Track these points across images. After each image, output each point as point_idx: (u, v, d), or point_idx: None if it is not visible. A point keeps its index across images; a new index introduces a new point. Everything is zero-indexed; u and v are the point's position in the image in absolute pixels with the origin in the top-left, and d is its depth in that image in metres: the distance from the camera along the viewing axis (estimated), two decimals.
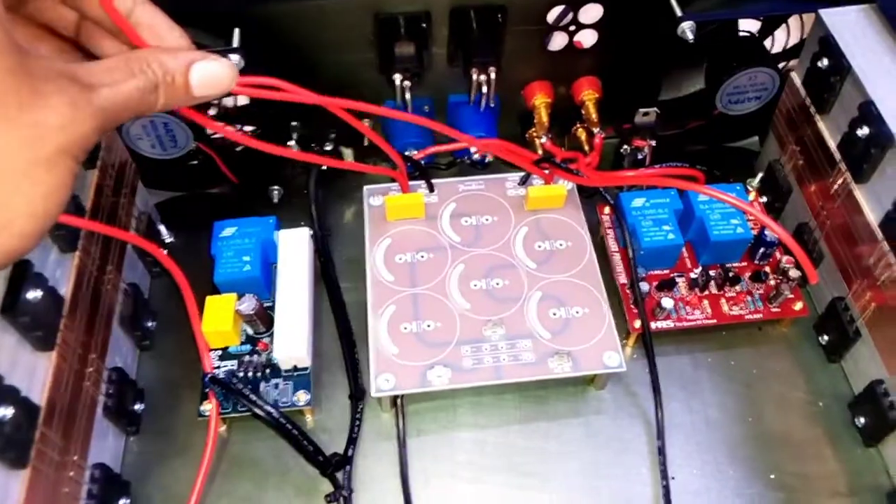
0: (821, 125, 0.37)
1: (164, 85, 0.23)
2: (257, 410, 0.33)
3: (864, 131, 0.33)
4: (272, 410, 0.33)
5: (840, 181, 0.36)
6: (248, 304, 0.36)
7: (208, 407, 0.35)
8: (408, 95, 0.39)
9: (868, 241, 0.34)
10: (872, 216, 0.34)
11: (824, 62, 0.36)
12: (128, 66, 0.23)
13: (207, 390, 0.35)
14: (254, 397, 0.33)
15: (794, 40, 0.44)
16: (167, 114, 0.38)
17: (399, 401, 0.36)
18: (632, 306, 0.38)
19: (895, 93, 0.33)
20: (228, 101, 0.42)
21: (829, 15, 0.36)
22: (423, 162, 0.41)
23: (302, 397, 0.36)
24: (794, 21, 0.43)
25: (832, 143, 0.37)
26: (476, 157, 0.43)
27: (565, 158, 0.42)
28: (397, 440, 0.36)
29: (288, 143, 0.42)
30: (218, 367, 0.37)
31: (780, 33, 0.44)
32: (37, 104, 0.19)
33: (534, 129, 0.44)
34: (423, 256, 0.40)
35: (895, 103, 0.32)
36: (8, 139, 0.19)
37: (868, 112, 0.33)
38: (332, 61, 0.40)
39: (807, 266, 0.34)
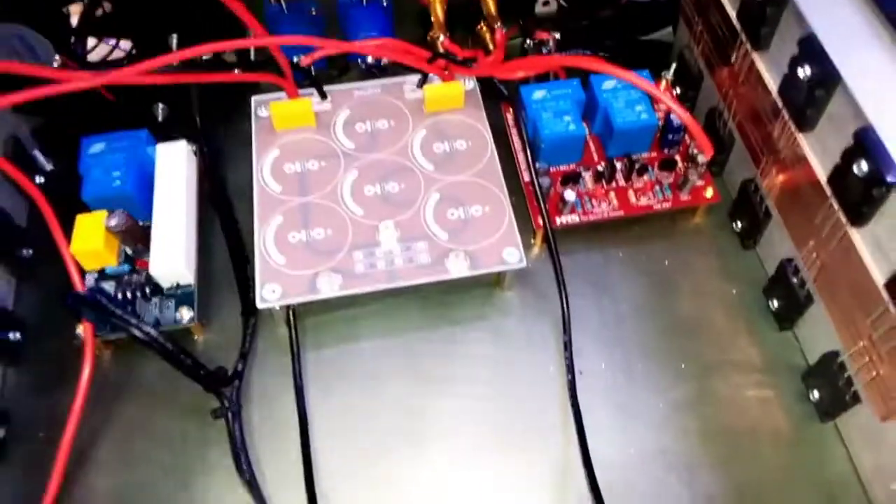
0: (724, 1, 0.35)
1: None
2: (129, 328, 0.31)
3: None
4: (142, 325, 0.31)
5: (742, 53, 0.34)
6: (118, 220, 0.34)
7: (81, 329, 0.33)
8: None
9: (771, 114, 0.33)
10: (773, 84, 0.32)
11: None
12: None
13: (79, 312, 0.32)
14: (120, 312, 0.31)
15: None
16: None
17: (290, 311, 0.34)
18: (535, 203, 0.37)
19: None
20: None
21: None
22: (312, 67, 0.39)
23: (185, 314, 0.34)
24: None
25: (732, 13, 0.34)
26: (370, 60, 0.41)
27: (466, 58, 0.40)
28: (291, 352, 0.34)
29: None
30: (96, 287, 0.35)
31: None
32: None
33: (432, 31, 0.42)
34: (313, 165, 0.37)
35: None
36: None
37: None
38: None
39: (700, 138, 0.32)
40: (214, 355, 0.34)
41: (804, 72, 0.29)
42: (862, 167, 0.26)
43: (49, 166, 0.40)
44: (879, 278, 0.27)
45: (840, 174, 0.28)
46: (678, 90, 0.41)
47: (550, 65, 0.37)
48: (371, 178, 0.37)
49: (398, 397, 0.34)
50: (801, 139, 0.31)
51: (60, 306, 0.34)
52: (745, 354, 0.34)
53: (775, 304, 0.35)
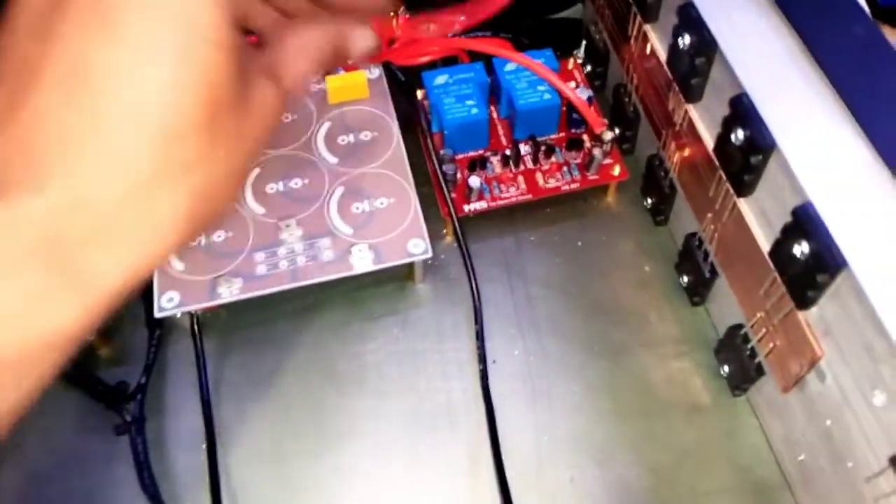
0: None
1: (331, 59, 0.24)
2: None
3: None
4: None
5: (637, 26, 0.34)
6: None
7: None
8: None
9: (665, 87, 0.32)
10: (663, 55, 0.32)
11: None
12: (301, 41, 0.23)
13: None
14: None
15: None
16: None
17: (194, 319, 0.33)
18: (441, 191, 0.36)
19: None
20: None
21: None
22: None
23: None
24: None
25: None
26: None
27: None
28: (196, 362, 0.33)
29: None
30: None
31: None
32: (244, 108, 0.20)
33: None
34: None
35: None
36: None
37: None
38: None
39: (587, 114, 0.31)
40: (117, 371, 0.33)
41: (684, 41, 0.28)
42: (738, 135, 0.26)
43: None
44: (765, 247, 0.26)
45: (722, 144, 0.27)
46: (589, 68, 0.41)
47: (450, 49, 0.37)
48: (273, 174, 0.36)
49: (310, 399, 0.33)
50: (691, 110, 0.30)
51: None
52: (659, 331, 0.34)
53: (685, 279, 0.34)
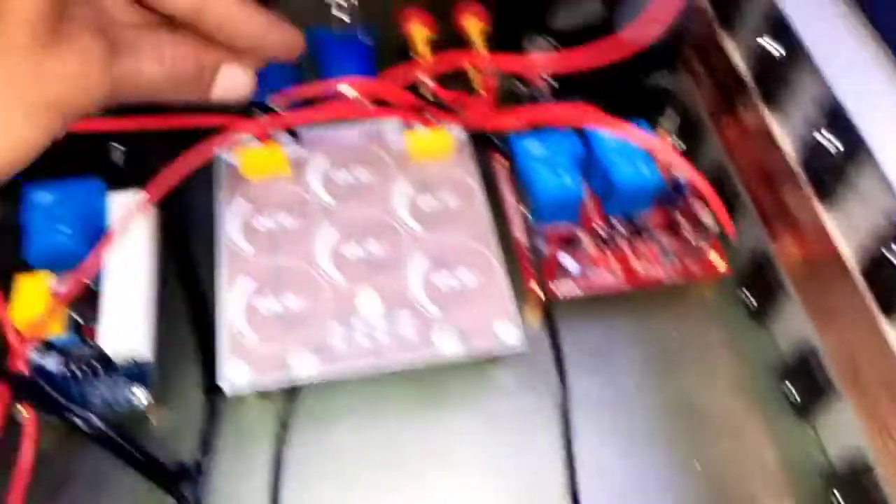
0: (728, 45, 0.33)
1: (190, 81, 0.22)
2: (73, 419, 0.27)
3: (771, 45, 0.28)
4: (89, 417, 0.27)
5: (752, 109, 0.31)
6: (65, 285, 0.30)
7: (24, 412, 0.29)
8: None
9: (788, 181, 0.30)
10: (789, 147, 0.30)
11: None
12: (162, 48, 0.21)
13: (19, 394, 0.28)
14: (64, 402, 0.27)
15: None
16: None
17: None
18: (530, 269, 0.33)
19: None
20: None
21: None
22: (285, 109, 0.35)
23: (140, 395, 0.30)
24: None
25: (741, 66, 0.32)
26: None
27: (452, 101, 0.37)
28: (275, 443, 0.30)
29: None
30: (38, 363, 0.30)
31: None
32: (52, 46, 0.18)
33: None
34: (287, 220, 0.34)
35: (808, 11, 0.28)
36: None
37: (778, 24, 0.28)
38: None
39: (722, 216, 0.29)
40: (173, 442, 0.31)
41: (825, 139, 0.26)
42: None
43: None
44: None
45: (871, 258, 0.25)
46: (677, 141, 0.39)
47: (545, 118, 0.34)
48: (350, 237, 0.33)
49: (378, 492, 0.30)
50: (822, 211, 0.28)
51: None
52: (760, 448, 0.31)
53: (792, 391, 0.32)
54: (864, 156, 0.25)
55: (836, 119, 0.26)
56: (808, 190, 0.28)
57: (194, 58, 0.22)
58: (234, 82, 0.24)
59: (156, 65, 0.21)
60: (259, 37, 0.24)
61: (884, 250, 0.24)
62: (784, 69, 0.28)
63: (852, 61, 0.26)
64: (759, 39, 0.29)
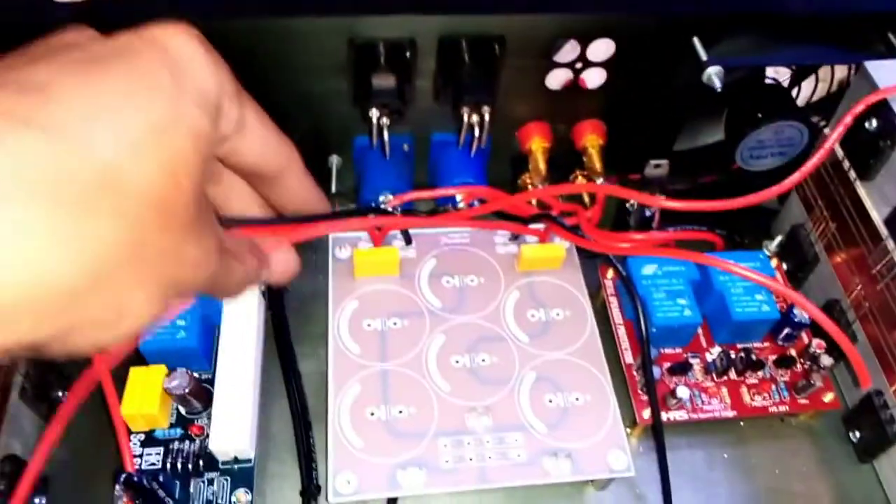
0: (862, 193, 0.32)
1: (255, 278, 0.24)
2: None
3: None
4: None
5: (885, 259, 0.31)
6: (180, 382, 0.29)
7: None
8: (385, 134, 0.33)
9: None
10: None
11: (872, 123, 0.31)
12: (243, 251, 0.23)
13: (121, 494, 0.28)
14: (170, 501, 0.26)
15: (820, 93, 0.39)
16: None
17: None
18: (640, 392, 0.33)
19: None
20: None
21: (878, 68, 0.31)
22: (399, 210, 0.36)
23: (242, 498, 0.30)
24: (823, 71, 0.39)
25: (876, 215, 0.32)
26: (462, 206, 0.37)
27: (563, 211, 0.37)
28: None
29: None
30: (139, 457, 0.30)
31: (806, 84, 0.39)
32: (191, 230, 0.19)
33: (528, 176, 0.39)
34: (395, 323, 0.33)
35: None
36: (154, 237, 0.18)
37: None
38: (300, 90, 0.34)
39: (861, 371, 0.29)
40: None
41: None
42: None
43: None
44: None
45: None
46: (784, 266, 0.38)
47: (664, 250, 0.34)
48: (459, 345, 0.33)
49: None
50: None
51: (94, 465, 0.29)
52: None
53: None
54: None
55: None
56: None
57: (261, 258, 0.24)
58: (287, 266, 0.25)
59: (242, 268, 0.23)
60: (313, 203, 0.27)
61: None
62: None
63: None
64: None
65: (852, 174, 0.33)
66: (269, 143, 0.24)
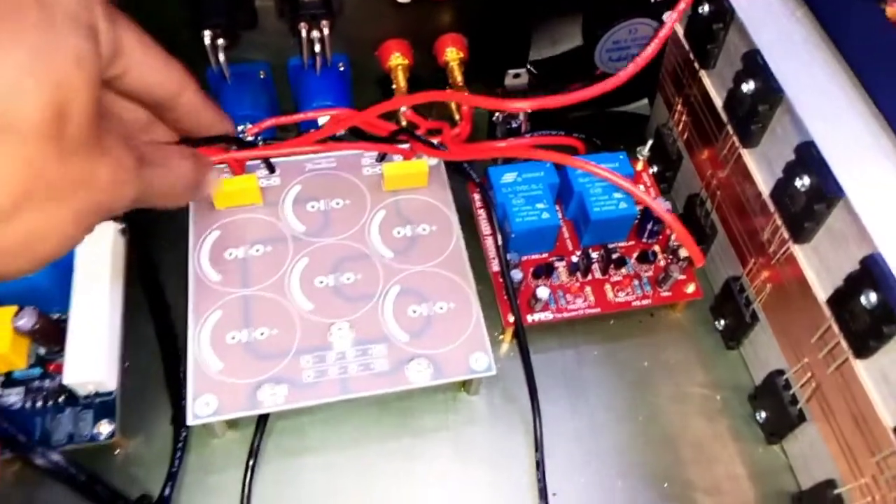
0: (706, 81, 0.33)
1: (194, 186, 0.26)
2: (31, 456, 0.26)
3: (749, 86, 0.29)
4: (47, 453, 0.26)
5: (728, 145, 0.32)
6: (27, 320, 0.29)
7: None
8: (222, 57, 0.32)
9: (760, 213, 0.30)
10: (763, 184, 0.30)
11: (705, 7, 0.31)
12: (172, 159, 0.24)
13: None
14: (23, 438, 0.26)
15: None
16: None
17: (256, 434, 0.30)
18: (505, 298, 0.33)
19: (784, 41, 0.28)
20: None
21: None
22: (260, 138, 0.35)
23: (104, 428, 0.30)
24: None
25: (718, 102, 0.32)
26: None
27: (430, 130, 0.37)
28: (245, 472, 0.30)
29: None
30: None
31: None
32: (98, 155, 0.20)
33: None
34: (258, 250, 0.33)
35: (784, 52, 0.28)
36: (54, 167, 0.18)
37: (753, 63, 0.28)
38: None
39: (692, 249, 0.29)
40: (136, 473, 0.30)
41: (802, 182, 0.26)
42: (870, 298, 0.23)
43: None
44: (889, 421, 0.24)
45: (843, 300, 0.25)
46: (655, 168, 0.39)
47: (522, 152, 0.34)
48: (323, 266, 0.33)
49: None
50: (795, 249, 0.28)
51: None
52: (732, 473, 0.32)
53: (762, 415, 0.32)
54: (837, 199, 0.25)
55: (811, 161, 0.26)
56: (782, 228, 0.28)
57: (194, 165, 0.26)
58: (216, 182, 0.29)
59: (170, 173, 0.24)
60: (216, 124, 0.29)
61: (860, 296, 0.24)
62: (759, 106, 0.28)
63: (828, 103, 0.26)
64: (736, 78, 0.29)
65: (696, 64, 0.33)
66: (156, 66, 0.24)
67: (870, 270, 0.23)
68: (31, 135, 0.17)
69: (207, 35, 0.31)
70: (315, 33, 0.32)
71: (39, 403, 0.30)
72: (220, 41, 0.31)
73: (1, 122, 0.17)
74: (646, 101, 0.42)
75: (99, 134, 0.20)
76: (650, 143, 0.39)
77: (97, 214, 0.21)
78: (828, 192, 0.25)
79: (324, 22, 0.32)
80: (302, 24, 0.32)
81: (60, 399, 0.30)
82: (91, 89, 0.19)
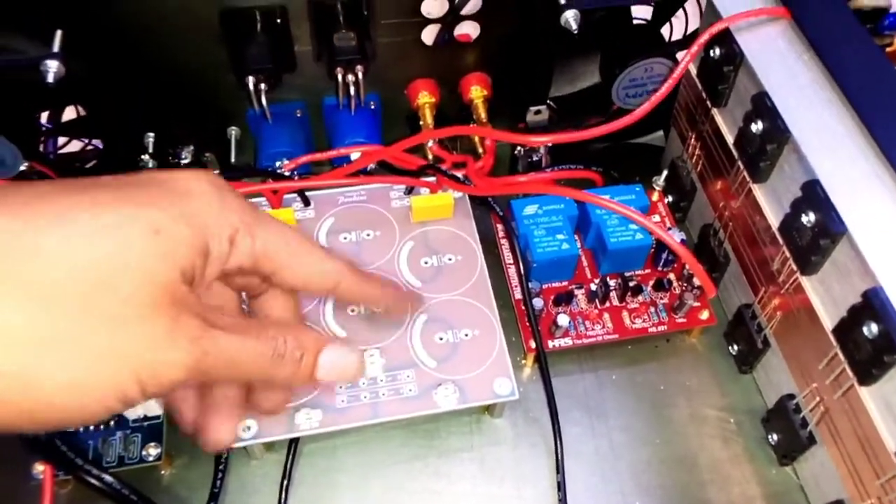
0: (718, 119, 0.35)
1: (292, 361, 0.23)
2: (87, 477, 0.28)
3: (758, 126, 0.30)
4: (102, 475, 0.28)
5: (739, 179, 0.33)
6: None
7: (41, 469, 0.30)
8: (263, 100, 0.35)
9: (770, 245, 0.32)
10: (773, 218, 0.31)
11: (716, 51, 0.33)
12: (261, 327, 0.22)
13: (37, 454, 0.30)
14: (80, 462, 0.28)
15: (692, 27, 0.41)
16: None
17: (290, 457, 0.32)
18: (527, 324, 0.35)
19: (790, 83, 0.30)
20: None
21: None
22: (296, 173, 0.37)
23: (152, 451, 0.32)
24: (691, 6, 0.40)
25: (730, 139, 0.34)
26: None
27: (455, 163, 0.39)
28: (280, 492, 0.32)
29: (142, 157, 0.37)
30: None
31: (677, 21, 0.41)
32: (145, 319, 0.19)
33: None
34: None
35: (790, 94, 0.29)
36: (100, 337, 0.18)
37: (762, 105, 0.30)
38: (181, 65, 0.35)
39: (703, 280, 0.31)
40: (180, 494, 0.32)
41: (808, 218, 0.28)
42: (872, 329, 0.25)
43: None
44: (892, 445, 0.25)
45: (847, 329, 0.27)
46: (670, 198, 0.41)
47: (542, 188, 0.36)
48: None
49: None
50: (803, 280, 0.30)
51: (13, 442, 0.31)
52: (747, 493, 0.33)
53: (775, 438, 0.33)
54: (840, 235, 0.26)
55: (815, 200, 0.27)
56: (791, 262, 0.30)
57: (294, 336, 0.23)
58: (342, 362, 0.24)
59: (253, 339, 0.21)
60: (384, 299, 0.28)
61: (863, 328, 0.25)
62: (767, 145, 0.30)
63: (832, 143, 0.28)
64: (746, 118, 0.31)
65: (709, 103, 0.35)
66: (307, 263, 0.24)
67: (871, 303, 0.25)
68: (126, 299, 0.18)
69: (251, 81, 0.33)
70: (350, 77, 0.34)
71: (92, 427, 0.32)
72: (263, 85, 0.34)
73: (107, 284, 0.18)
74: (661, 132, 0.44)
75: (162, 298, 0.19)
76: (665, 174, 0.41)
77: (129, 383, 0.19)
78: (832, 228, 0.26)
79: (358, 67, 0.34)
80: (338, 69, 0.34)
81: (111, 422, 0.32)
82: (171, 276, 0.19)
